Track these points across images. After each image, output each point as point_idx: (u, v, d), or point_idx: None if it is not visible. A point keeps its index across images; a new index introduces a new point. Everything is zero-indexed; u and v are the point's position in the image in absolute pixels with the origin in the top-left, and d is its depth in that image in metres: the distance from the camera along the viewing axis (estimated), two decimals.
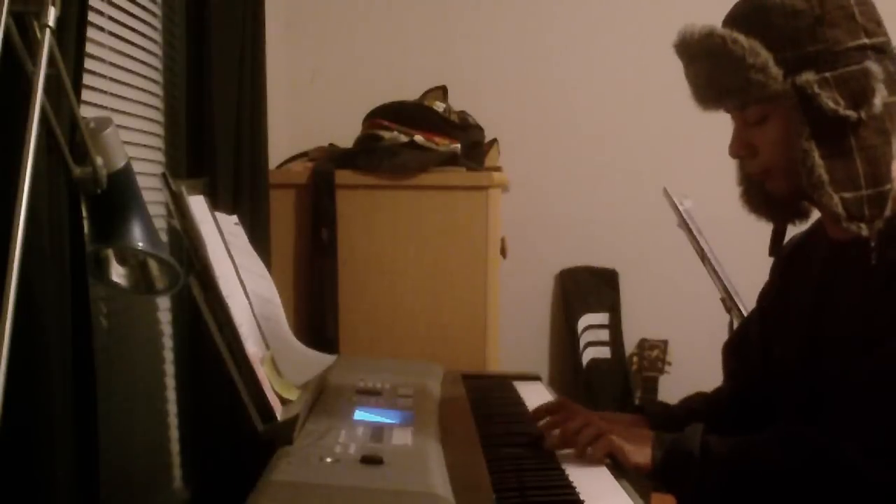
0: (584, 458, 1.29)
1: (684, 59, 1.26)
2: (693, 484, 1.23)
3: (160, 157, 1.73)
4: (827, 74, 1.16)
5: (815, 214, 1.36)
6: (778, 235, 1.38)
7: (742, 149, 1.28)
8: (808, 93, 1.16)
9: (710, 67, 1.22)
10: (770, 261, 1.48)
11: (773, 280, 1.48)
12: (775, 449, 1.21)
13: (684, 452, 1.24)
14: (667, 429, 1.36)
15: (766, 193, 1.33)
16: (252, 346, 1.21)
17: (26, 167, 0.74)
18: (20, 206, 0.73)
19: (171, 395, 1.73)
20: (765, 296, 1.49)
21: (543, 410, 1.47)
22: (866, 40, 1.18)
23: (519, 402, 1.68)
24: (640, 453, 1.27)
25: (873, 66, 1.16)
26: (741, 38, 1.17)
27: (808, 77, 1.17)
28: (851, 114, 1.16)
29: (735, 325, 2.34)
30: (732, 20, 1.23)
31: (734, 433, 1.27)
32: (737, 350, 1.53)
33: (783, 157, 1.22)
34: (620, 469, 1.27)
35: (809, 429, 1.20)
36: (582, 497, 1.14)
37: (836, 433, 1.16)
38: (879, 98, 1.16)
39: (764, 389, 1.39)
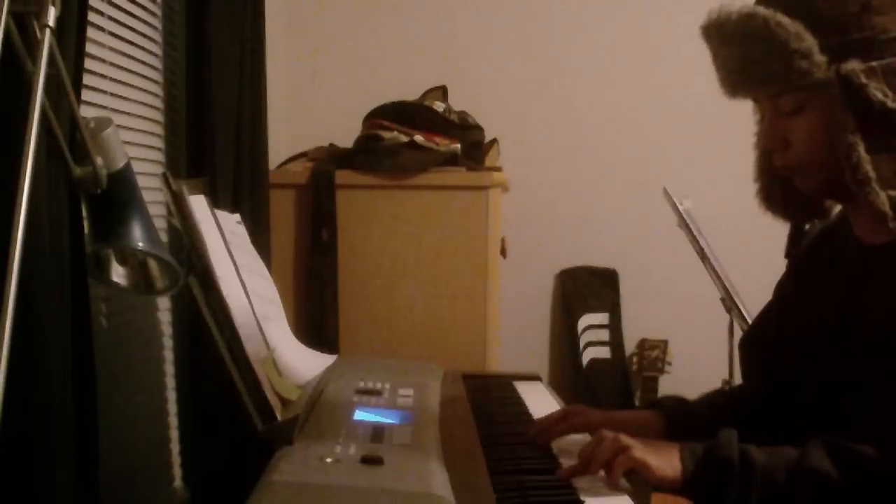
0: (603, 481, 1.17)
1: (715, 42, 1.17)
2: (734, 496, 1.09)
3: (160, 157, 1.73)
4: (874, 64, 1.08)
5: (835, 212, 1.30)
6: (796, 235, 1.32)
7: (774, 140, 1.19)
8: (854, 83, 1.08)
9: (748, 51, 1.13)
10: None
11: (790, 274, 1.38)
12: (828, 462, 1.08)
13: (721, 461, 1.11)
14: (684, 425, 1.30)
15: (785, 191, 1.24)
16: (252, 347, 1.21)
17: (26, 167, 0.74)
18: (20, 206, 0.73)
19: (171, 395, 1.73)
20: (782, 288, 1.39)
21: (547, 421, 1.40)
22: None
23: (519, 402, 1.68)
24: (669, 466, 1.13)
25: None
26: (786, 20, 1.09)
27: (853, 66, 1.08)
28: None
29: (735, 325, 2.34)
30: (774, 1, 1.13)
31: (764, 433, 1.18)
32: (757, 345, 1.42)
33: (821, 150, 1.14)
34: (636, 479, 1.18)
35: (857, 442, 1.09)
36: (582, 497, 1.13)
37: (887, 444, 1.07)
38: None
39: (781, 385, 1.31)
